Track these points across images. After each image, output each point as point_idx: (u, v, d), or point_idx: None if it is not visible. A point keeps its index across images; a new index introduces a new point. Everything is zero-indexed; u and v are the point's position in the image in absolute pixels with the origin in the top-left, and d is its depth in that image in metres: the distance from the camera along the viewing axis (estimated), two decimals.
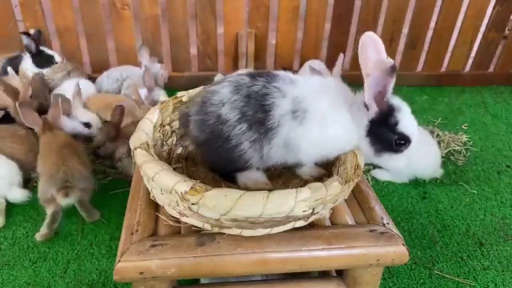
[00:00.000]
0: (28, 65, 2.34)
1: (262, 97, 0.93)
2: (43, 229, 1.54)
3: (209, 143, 0.98)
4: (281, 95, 0.94)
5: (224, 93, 0.96)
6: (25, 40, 2.31)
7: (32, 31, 2.41)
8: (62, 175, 1.51)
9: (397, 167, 0.97)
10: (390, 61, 0.84)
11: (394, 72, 0.84)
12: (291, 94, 0.94)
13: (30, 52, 2.34)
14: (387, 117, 0.91)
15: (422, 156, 1.86)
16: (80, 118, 1.95)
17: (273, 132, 0.93)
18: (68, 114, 1.90)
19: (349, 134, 0.95)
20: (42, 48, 2.39)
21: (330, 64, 2.48)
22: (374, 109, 0.90)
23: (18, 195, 1.68)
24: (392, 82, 0.87)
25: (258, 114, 0.93)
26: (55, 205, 1.52)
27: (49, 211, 1.53)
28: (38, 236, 1.54)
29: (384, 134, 0.92)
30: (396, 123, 0.91)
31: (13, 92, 1.94)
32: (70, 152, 1.61)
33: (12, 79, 2.21)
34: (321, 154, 1.00)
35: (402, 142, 0.92)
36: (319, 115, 0.93)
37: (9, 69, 2.26)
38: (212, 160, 1.05)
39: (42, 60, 2.36)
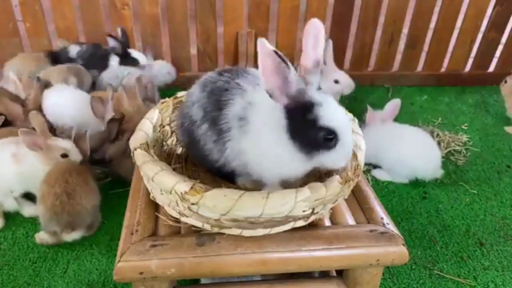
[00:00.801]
0: (114, 65, 2.36)
1: (222, 92, 0.88)
2: (43, 239, 1.50)
3: (189, 145, 0.98)
4: (240, 92, 0.86)
5: (194, 92, 0.94)
6: (111, 42, 2.32)
7: (119, 30, 2.40)
8: (66, 217, 1.43)
9: (337, 164, 0.85)
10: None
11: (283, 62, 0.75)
12: (249, 96, 0.85)
13: (116, 54, 2.35)
14: (305, 113, 0.80)
15: (422, 156, 1.86)
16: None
17: (227, 135, 0.86)
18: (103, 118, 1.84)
19: (288, 159, 0.83)
20: (129, 50, 2.41)
21: None
22: (282, 101, 0.80)
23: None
24: (288, 74, 0.77)
25: (214, 111, 0.88)
26: (58, 238, 1.48)
27: (50, 240, 1.49)
28: (37, 239, 1.52)
29: (306, 131, 0.80)
30: (316, 119, 0.79)
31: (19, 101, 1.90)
32: (77, 181, 1.47)
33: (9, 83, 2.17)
34: (268, 177, 0.89)
35: (330, 137, 0.80)
36: (255, 130, 0.83)
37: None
38: (197, 162, 1.05)
39: (127, 62, 2.37)
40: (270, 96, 0.80)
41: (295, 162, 0.84)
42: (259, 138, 0.83)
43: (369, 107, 2.03)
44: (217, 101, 0.88)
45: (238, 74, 0.91)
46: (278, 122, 0.82)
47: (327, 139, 0.80)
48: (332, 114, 0.80)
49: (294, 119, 0.81)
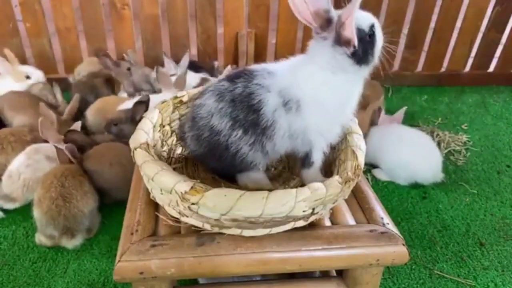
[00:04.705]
0: None
1: (248, 97, 0.92)
2: (42, 241, 1.50)
3: (209, 154, 0.98)
4: (265, 90, 0.92)
5: (210, 104, 0.95)
6: None
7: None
8: (63, 221, 1.42)
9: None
10: None
11: None
12: (275, 87, 0.93)
13: None
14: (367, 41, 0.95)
15: (422, 161, 1.85)
16: None
17: (272, 129, 0.92)
18: None
19: (345, 96, 0.95)
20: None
21: None
22: (354, 43, 0.91)
23: None
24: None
25: (249, 115, 0.92)
26: (55, 242, 1.47)
27: (48, 243, 1.48)
28: (37, 240, 1.52)
29: (366, 50, 0.94)
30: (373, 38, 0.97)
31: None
32: (73, 185, 1.48)
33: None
34: (330, 129, 0.98)
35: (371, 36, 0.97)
36: (312, 97, 0.92)
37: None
38: (215, 168, 1.05)
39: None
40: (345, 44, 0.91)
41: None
42: (317, 102, 0.92)
43: (383, 111, 2.05)
44: (247, 106, 0.92)
45: (250, 76, 0.95)
46: (341, 66, 0.91)
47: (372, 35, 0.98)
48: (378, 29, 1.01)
49: (357, 51, 0.91)
